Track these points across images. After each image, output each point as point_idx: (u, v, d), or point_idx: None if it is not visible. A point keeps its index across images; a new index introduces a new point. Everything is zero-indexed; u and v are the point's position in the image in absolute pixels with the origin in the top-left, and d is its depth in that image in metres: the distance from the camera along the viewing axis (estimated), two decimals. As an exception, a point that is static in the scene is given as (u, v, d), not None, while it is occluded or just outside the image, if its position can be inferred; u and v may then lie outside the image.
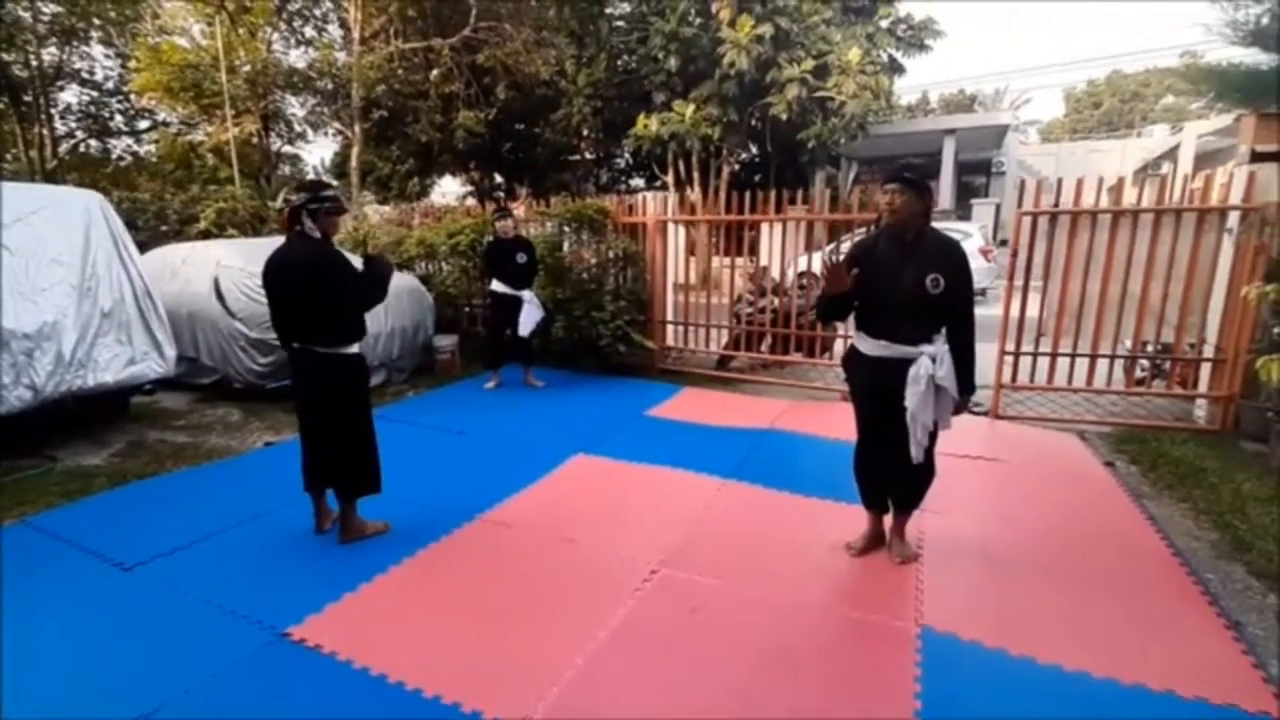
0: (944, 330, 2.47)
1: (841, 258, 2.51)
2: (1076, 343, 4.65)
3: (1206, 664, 2.12)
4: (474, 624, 2.35)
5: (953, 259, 2.40)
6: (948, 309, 2.42)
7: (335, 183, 19.28)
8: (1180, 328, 4.41)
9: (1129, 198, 4.44)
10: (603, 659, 2.15)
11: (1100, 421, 4.58)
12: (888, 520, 2.80)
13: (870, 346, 2.51)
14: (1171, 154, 15.17)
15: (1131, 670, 2.07)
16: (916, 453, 2.45)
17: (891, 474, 2.65)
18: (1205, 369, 4.48)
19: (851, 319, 2.63)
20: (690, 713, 1.92)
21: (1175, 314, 4.39)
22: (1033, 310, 4.72)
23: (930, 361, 2.39)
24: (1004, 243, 11.95)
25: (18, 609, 2.45)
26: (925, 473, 2.61)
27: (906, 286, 2.35)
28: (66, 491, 3.48)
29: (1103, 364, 4.68)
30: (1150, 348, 4.65)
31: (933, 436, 2.51)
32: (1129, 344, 4.65)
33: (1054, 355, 4.73)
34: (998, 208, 16.16)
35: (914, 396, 2.39)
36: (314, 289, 2.67)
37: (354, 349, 2.85)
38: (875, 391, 2.53)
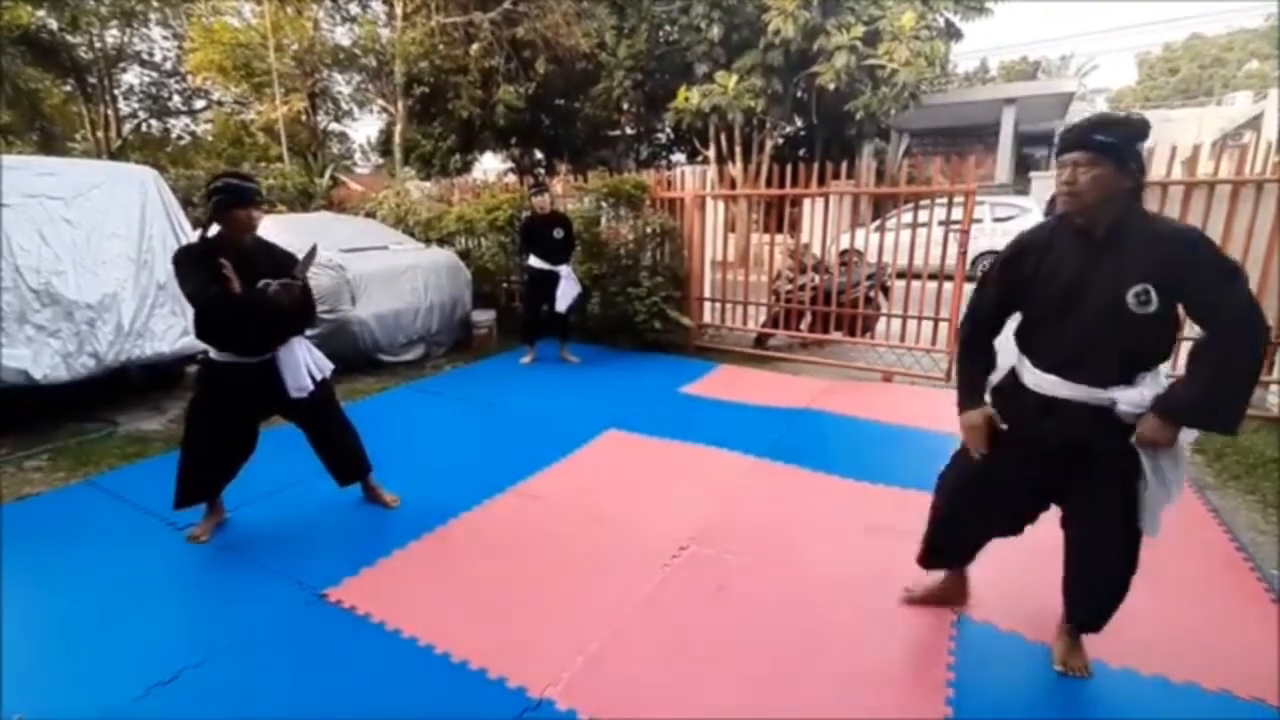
0: (1159, 367, 1.72)
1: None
2: (1138, 324, 4.38)
3: (1268, 665, 1.99)
4: (502, 593, 2.38)
5: (1175, 258, 1.59)
6: (1162, 334, 1.68)
7: (381, 160, 19.59)
8: (1256, 309, 4.09)
9: (1204, 168, 4.12)
10: (628, 633, 2.16)
11: (1161, 407, 4.32)
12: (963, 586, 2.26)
13: (1038, 379, 1.79)
14: (1254, 123, 14.10)
15: (1184, 668, 1.96)
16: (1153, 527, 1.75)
17: (983, 537, 2.11)
18: (1282, 353, 4.18)
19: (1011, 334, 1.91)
20: (712, 690, 1.91)
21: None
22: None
23: (1130, 411, 1.68)
24: (1063, 219, 11.29)
25: (79, 563, 2.60)
26: (1122, 578, 1.87)
27: (1097, 302, 1.65)
28: (126, 454, 3.68)
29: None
30: (1221, 330, 4.34)
31: (1136, 533, 1.81)
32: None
33: (1113, 337, 4.46)
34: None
35: (1149, 466, 1.69)
36: None
37: (210, 351, 2.62)
38: (1036, 448, 1.83)
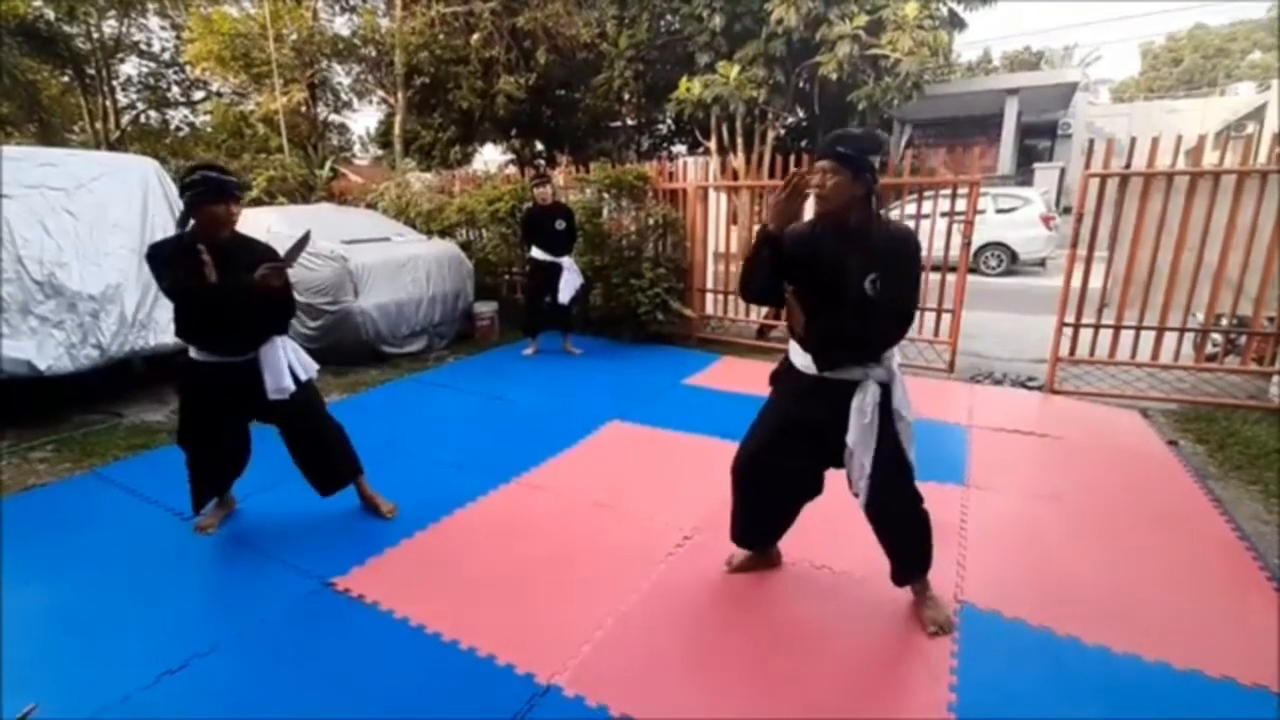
0: (893, 349, 2.00)
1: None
2: (1143, 315, 4.38)
3: (1270, 653, 2.00)
4: (509, 583, 2.39)
5: (896, 254, 1.86)
6: (896, 320, 1.91)
7: (381, 151, 19.49)
8: (1260, 300, 4.10)
9: (1209, 159, 4.11)
10: (633, 620, 2.17)
11: (1165, 398, 4.33)
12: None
13: (806, 361, 2.02)
14: (1258, 113, 14.04)
15: (1187, 655, 1.98)
16: (864, 494, 2.01)
17: (783, 515, 2.32)
18: (1285, 344, 4.18)
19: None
20: (716, 676, 1.93)
21: (1255, 285, 4.09)
22: (1095, 280, 4.46)
23: (878, 388, 1.94)
24: (1067, 210, 11.31)
25: (87, 553, 2.62)
26: (916, 520, 2.11)
27: (850, 288, 1.86)
28: (131, 445, 3.69)
29: (1170, 338, 4.40)
30: (1225, 321, 4.35)
31: (906, 470, 2.04)
32: (1200, 317, 4.36)
33: (1117, 328, 4.47)
34: (1062, 172, 15.27)
35: (856, 430, 1.94)
36: None
37: (190, 351, 2.53)
38: (801, 423, 2.08)
